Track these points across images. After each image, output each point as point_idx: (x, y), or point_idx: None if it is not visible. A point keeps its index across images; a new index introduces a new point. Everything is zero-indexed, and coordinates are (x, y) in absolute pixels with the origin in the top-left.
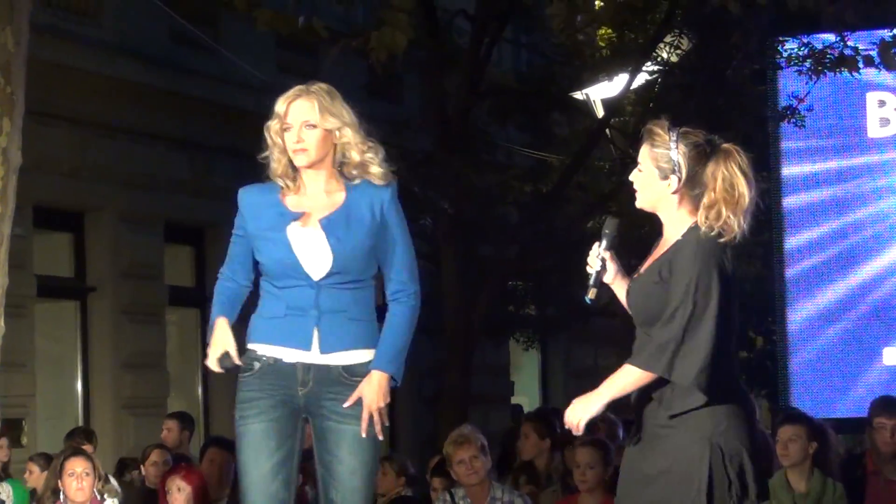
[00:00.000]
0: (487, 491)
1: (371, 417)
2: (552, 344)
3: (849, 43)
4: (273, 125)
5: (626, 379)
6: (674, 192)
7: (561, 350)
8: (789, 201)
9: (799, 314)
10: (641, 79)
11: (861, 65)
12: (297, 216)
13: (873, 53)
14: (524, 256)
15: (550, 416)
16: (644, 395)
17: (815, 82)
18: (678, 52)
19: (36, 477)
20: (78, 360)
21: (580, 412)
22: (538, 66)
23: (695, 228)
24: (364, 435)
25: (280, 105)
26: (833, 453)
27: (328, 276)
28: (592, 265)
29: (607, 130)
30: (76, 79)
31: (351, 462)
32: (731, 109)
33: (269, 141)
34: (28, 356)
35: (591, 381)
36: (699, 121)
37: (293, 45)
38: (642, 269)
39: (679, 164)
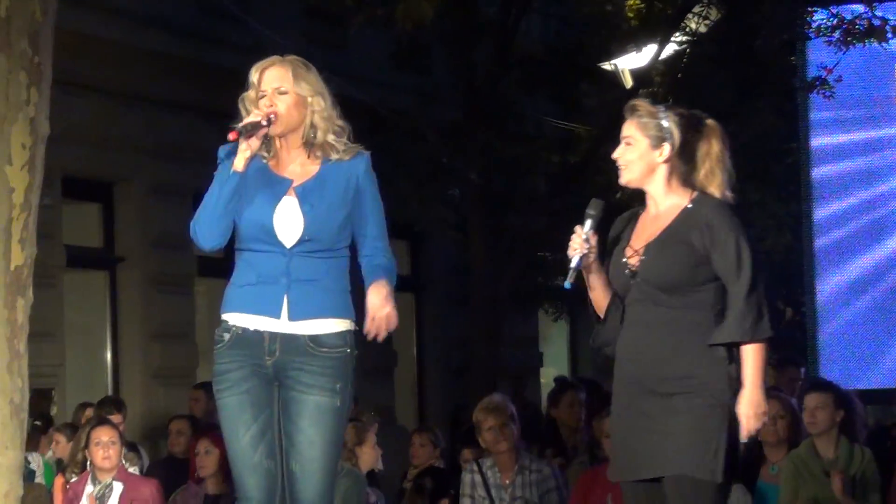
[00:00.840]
0: (515, 460)
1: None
2: (581, 314)
3: (877, 13)
4: (249, 94)
5: (758, 357)
6: (665, 161)
7: (590, 321)
8: (818, 172)
9: (828, 285)
10: (670, 49)
11: (889, 35)
12: (288, 185)
13: None
14: (552, 227)
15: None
16: (647, 362)
17: (844, 53)
18: (707, 22)
19: (63, 447)
20: (107, 331)
21: (760, 414)
22: (567, 37)
23: (705, 196)
24: (370, 338)
25: (254, 74)
26: (859, 422)
27: (299, 243)
28: (577, 248)
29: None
30: (104, 49)
31: (310, 432)
32: (759, 80)
33: (242, 112)
34: (57, 326)
35: None
36: (728, 91)
37: (320, 14)
38: (637, 239)
39: (671, 131)
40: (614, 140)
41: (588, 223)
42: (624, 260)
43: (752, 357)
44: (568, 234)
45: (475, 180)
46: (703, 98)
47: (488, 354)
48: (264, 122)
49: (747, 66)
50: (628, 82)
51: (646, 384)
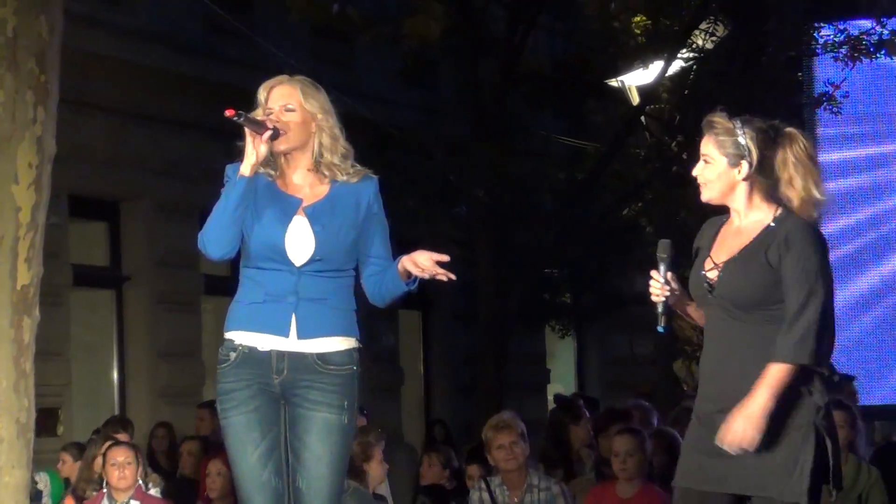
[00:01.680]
0: (524, 478)
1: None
2: (588, 332)
3: (886, 28)
4: (256, 113)
5: (780, 378)
6: (745, 179)
7: (597, 338)
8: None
9: (834, 301)
10: (676, 66)
11: None
12: (297, 204)
13: None
14: (559, 244)
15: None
16: (729, 379)
17: (851, 69)
18: (713, 38)
19: (69, 466)
20: (114, 349)
21: (750, 430)
22: (573, 54)
23: (788, 214)
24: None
25: (262, 93)
26: (862, 440)
27: (310, 262)
28: (660, 294)
29: (642, 118)
30: (111, 67)
31: (317, 449)
32: (766, 96)
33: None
34: (64, 345)
35: (626, 369)
36: (734, 108)
37: (327, 33)
38: (718, 252)
39: (749, 148)
40: (621, 157)
41: (662, 267)
42: (703, 273)
43: (771, 377)
44: (574, 251)
45: (482, 197)
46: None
47: (495, 371)
48: (269, 126)
49: (754, 82)
50: (635, 99)
51: (727, 400)
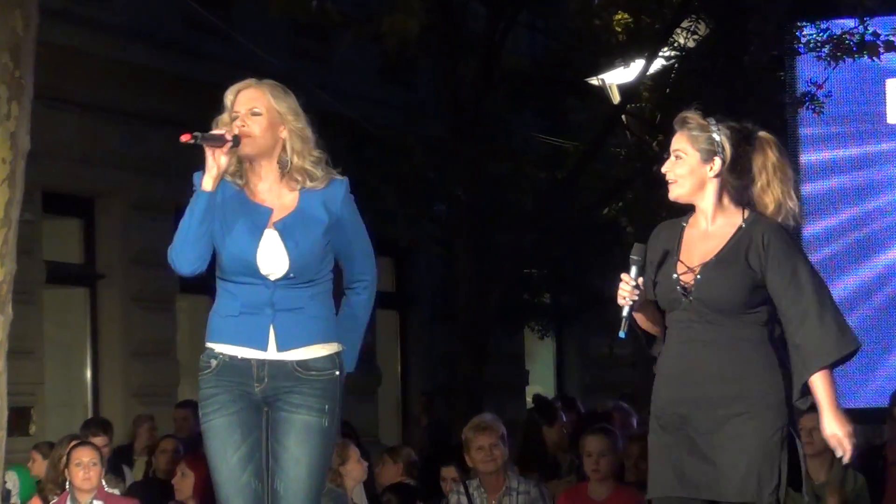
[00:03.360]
0: (503, 481)
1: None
2: (567, 332)
3: (869, 28)
4: (223, 117)
5: (832, 381)
6: (716, 176)
7: (576, 338)
8: (807, 189)
9: None
10: (658, 64)
11: (882, 50)
12: (267, 215)
13: (894, 39)
14: (539, 244)
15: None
16: (705, 381)
17: (833, 68)
18: (695, 37)
19: (39, 465)
20: (87, 348)
21: (849, 434)
22: (554, 52)
23: (758, 217)
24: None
25: (228, 96)
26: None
27: (284, 277)
28: (628, 297)
29: (623, 117)
30: (87, 63)
31: (296, 451)
32: (748, 96)
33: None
34: (36, 343)
35: (606, 370)
36: (716, 107)
37: (306, 30)
38: (688, 256)
39: (723, 145)
40: (601, 156)
41: (634, 270)
42: (676, 276)
43: (826, 381)
44: (553, 251)
45: (461, 196)
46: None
47: (473, 372)
48: (228, 138)
49: (736, 81)
50: (616, 97)
51: (703, 403)
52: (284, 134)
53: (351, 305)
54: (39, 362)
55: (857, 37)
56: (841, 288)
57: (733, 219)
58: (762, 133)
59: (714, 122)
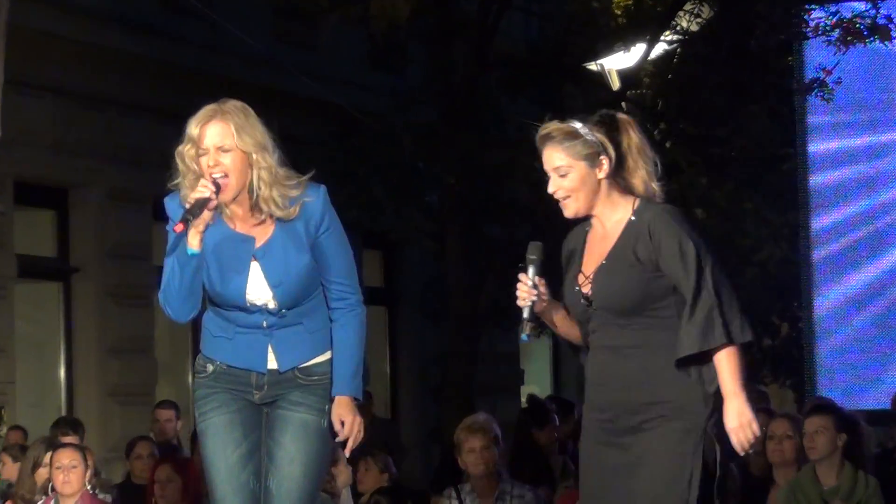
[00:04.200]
0: (496, 485)
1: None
2: None
3: (881, 11)
4: (188, 151)
5: (733, 363)
6: (606, 177)
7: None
8: (816, 179)
9: (826, 299)
10: (660, 49)
11: (894, 34)
12: (250, 244)
13: None
14: (535, 237)
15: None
16: (617, 388)
17: (843, 53)
18: (699, 20)
19: (9, 468)
20: (61, 345)
21: (747, 424)
22: (550, 36)
23: (646, 204)
24: (322, 442)
25: (193, 128)
26: (866, 446)
27: (277, 310)
28: (526, 298)
29: (623, 104)
30: (60, 47)
31: (291, 448)
32: (754, 82)
33: (181, 167)
34: (7, 340)
35: None
36: (720, 94)
37: (290, 12)
38: (587, 263)
39: (602, 143)
40: None
41: (531, 269)
42: (577, 288)
43: (723, 365)
44: (552, 244)
45: (453, 186)
46: (694, 101)
47: (466, 372)
48: (214, 197)
49: (741, 67)
50: (615, 84)
51: (616, 411)
52: (253, 166)
53: (340, 326)
54: (10, 360)
55: (868, 20)
56: (851, 285)
57: (624, 213)
58: (620, 115)
59: (579, 124)
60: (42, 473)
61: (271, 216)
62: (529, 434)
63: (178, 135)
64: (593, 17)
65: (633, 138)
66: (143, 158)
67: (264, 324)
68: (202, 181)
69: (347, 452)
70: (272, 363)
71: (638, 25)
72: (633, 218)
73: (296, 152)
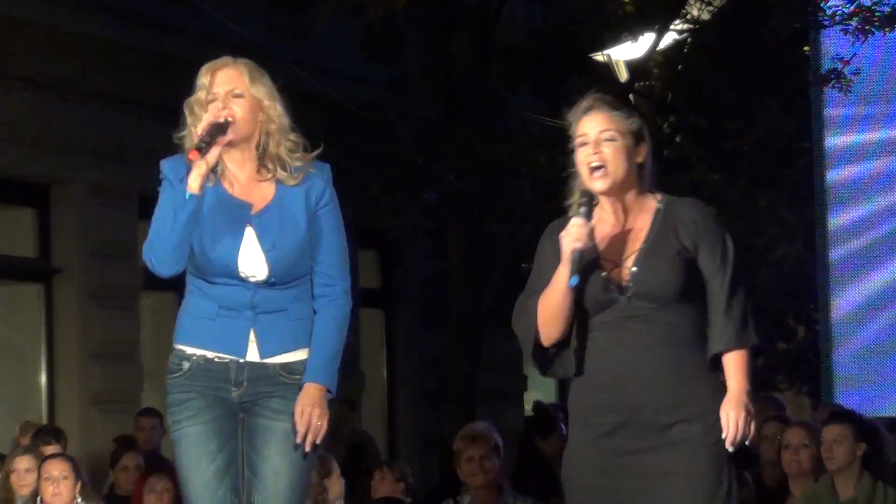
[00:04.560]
0: (497, 496)
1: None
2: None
3: None
4: (198, 97)
5: (749, 364)
6: (640, 165)
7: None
8: (833, 175)
9: (844, 300)
10: (669, 39)
11: None
12: (247, 211)
13: None
14: (538, 235)
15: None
16: (638, 391)
17: (862, 43)
18: (710, 8)
19: None
20: (42, 350)
21: (749, 419)
22: (554, 25)
23: (672, 198)
24: (297, 448)
25: (204, 76)
26: (887, 456)
27: (265, 282)
28: (581, 239)
29: (631, 96)
30: (41, 36)
31: (277, 461)
32: (768, 73)
33: (188, 119)
34: None
35: None
36: (733, 86)
37: (284, 2)
38: (611, 252)
39: (643, 131)
40: None
41: (582, 210)
42: (604, 275)
43: (744, 364)
44: None
45: (453, 183)
46: (705, 93)
47: (466, 377)
48: (224, 121)
49: (754, 57)
50: (623, 75)
51: (641, 414)
52: (262, 118)
53: (321, 317)
54: None
55: (888, 8)
56: (870, 286)
57: (648, 204)
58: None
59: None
60: (14, 481)
61: (272, 176)
62: (534, 444)
63: (165, 129)
64: (600, 5)
65: (648, 140)
66: (129, 154)
67: (251, 300)
68: (214, 109)
69: (307, 447)
70: (252, 352)
71: (646, 14)
72: (660, 206)
73: None
